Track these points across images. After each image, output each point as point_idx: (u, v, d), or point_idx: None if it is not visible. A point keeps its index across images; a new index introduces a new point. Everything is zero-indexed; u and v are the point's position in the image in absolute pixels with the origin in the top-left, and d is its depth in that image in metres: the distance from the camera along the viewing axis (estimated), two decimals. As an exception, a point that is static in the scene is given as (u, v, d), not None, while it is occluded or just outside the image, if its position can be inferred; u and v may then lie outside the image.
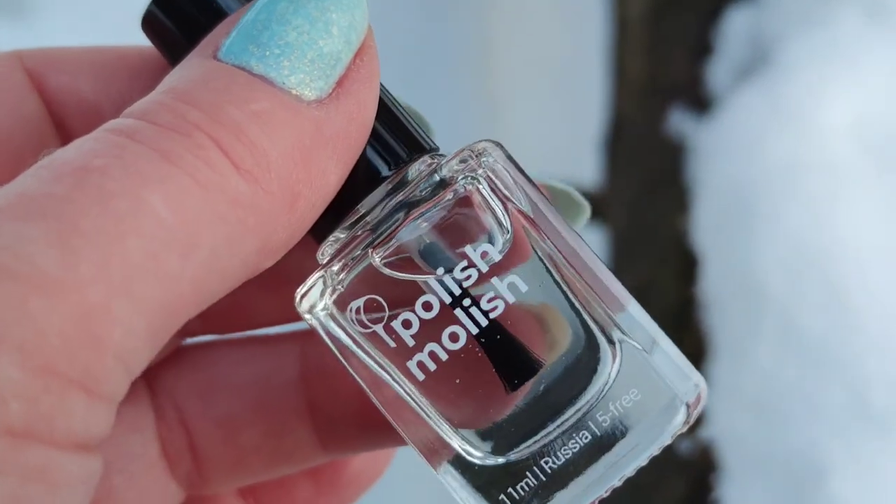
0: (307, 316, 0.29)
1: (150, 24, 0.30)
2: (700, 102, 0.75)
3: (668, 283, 0.72)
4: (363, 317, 0.28)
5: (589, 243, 0.30)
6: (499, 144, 0.29)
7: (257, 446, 0.33)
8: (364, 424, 0.33)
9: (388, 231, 0.28)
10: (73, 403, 0.22)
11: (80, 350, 0.22)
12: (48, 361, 0.22)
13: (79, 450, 0.23)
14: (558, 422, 0.28)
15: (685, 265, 0.72)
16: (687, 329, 0.69)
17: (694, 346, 0.68)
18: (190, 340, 0.35)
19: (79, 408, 0.22)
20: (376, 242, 0.28)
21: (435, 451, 0.29)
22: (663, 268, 0.73)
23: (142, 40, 0.31)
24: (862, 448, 0.60)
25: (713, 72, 0.74)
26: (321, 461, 0.34)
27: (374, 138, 0.28)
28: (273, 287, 0.34)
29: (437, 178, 0.29)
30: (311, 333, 0.33)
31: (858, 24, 0.70)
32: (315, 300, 0.29)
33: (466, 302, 0.28)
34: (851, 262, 0.64)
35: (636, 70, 0.79)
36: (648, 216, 0.76)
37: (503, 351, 0.28)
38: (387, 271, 0.28)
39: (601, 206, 0.79)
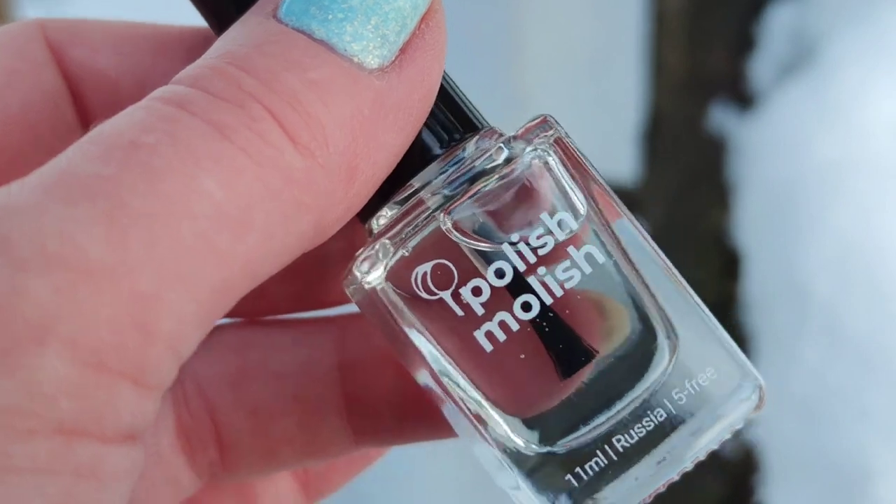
0: (354, 289, 0.27)
1: None
2: (742, 98, 0.74)
3: (707, 281, 0.72)
4: (430, 283, 0.27)
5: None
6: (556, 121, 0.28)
7: (290, 438, 0.31)
8: (402, 416, 0.31)
9: (456, 199, 0.27)
10: (121, 396, 0.21)
11: (131, 341, 0.21)
12: (99, 355, 0.21)
13: (126, 441, 0.22)
14: (607, 414, 0.27)
15: (725, 263, 0.71)
16: (727, 328, 0.69)
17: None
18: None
19: (127, 400, 0.21)
20: (446, 207, 0.27)
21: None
22: (702, 265, 0.73)
23: (177, 18, 0.30)
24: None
25: (756, 67, 0.74)
26: (351, 453, 0.32)
27: (432, 111, 0.27)
28: (301, 271, 0.31)
29: (504, 151, 0.27)
30: (349, 319, 0.32)
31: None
32: (367, 272, 0.27)
33: (542, 270, 0.27)
34: (898, 262, 0.63)
35: (675, 64, 0.78)
36: (687, 212, 0.75)
37: (564, 333, 0.27)
38: (456, 236, 0.27)
39: (638, 201, 0.78)
